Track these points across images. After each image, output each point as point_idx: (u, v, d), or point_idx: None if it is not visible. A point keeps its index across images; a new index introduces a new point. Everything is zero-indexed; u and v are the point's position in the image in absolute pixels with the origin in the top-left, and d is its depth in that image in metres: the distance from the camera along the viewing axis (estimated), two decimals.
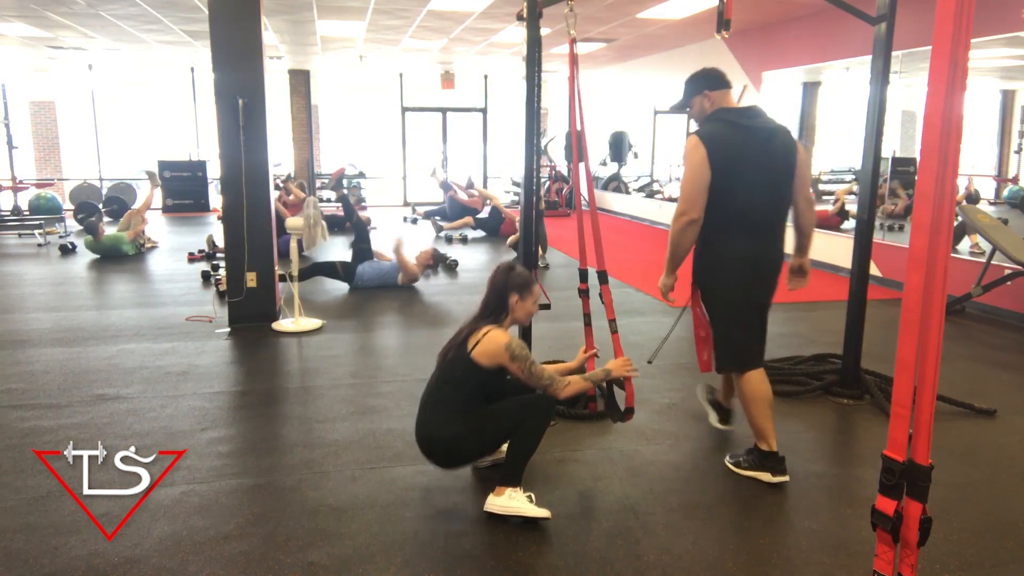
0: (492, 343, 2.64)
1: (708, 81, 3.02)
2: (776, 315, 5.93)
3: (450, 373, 2.72)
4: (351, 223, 7.43)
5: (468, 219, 10.70)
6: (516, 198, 11.40)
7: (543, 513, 2.60)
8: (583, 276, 3.26)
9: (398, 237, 6.83)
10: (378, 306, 6.17)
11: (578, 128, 3.26)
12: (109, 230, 8.79)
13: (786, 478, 2.91)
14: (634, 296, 6.54)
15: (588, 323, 3.23)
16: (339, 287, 6.77)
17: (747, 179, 2.85)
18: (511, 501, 2.60)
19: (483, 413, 2.66)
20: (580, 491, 2.86)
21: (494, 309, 2.77)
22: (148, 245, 9.09)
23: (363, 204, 13.20)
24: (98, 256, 8.47)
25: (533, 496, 2.64)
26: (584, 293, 3.28)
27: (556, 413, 3.56)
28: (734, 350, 2.99)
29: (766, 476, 2.93)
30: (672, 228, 2.96)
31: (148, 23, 9.16)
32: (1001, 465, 3.16)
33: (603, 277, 3.14)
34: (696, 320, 3.19)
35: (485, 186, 15.11)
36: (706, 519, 2.64)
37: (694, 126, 3.10)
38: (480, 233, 10.59)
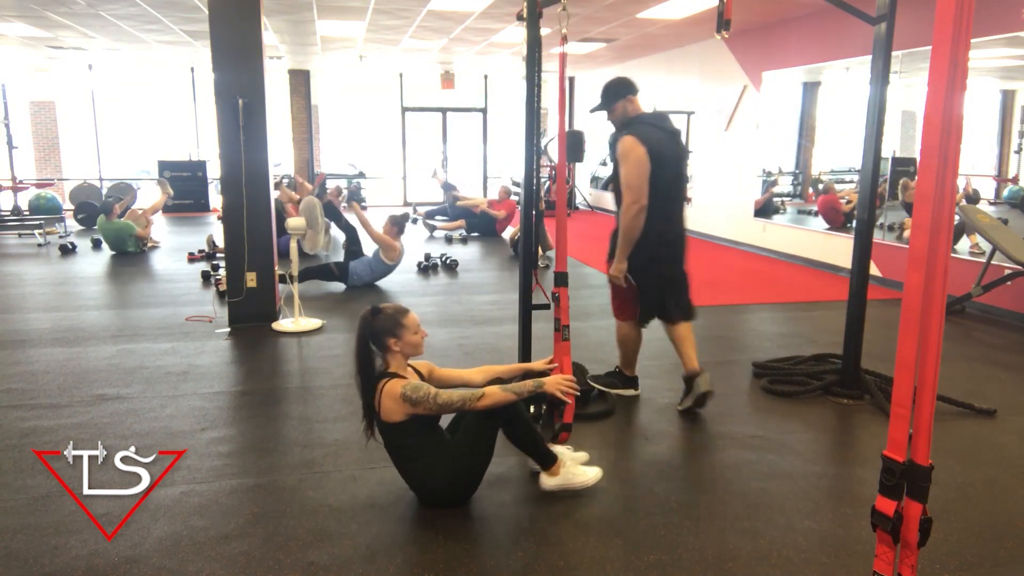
0: (389, 399, 2.55)
1: (630, 88, 3.60)
2: (776, 315, 5.96)
3: (386, 440, 2.67)
4: (339, 226, 7.41)
5: (461, 222, 10.64)
6: (516, 197, 11.40)
7: (597, 475, 2.81)
8: (557, 279, 3.26)
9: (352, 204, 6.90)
10: None
11: (563, 128, 3.30)
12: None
13: (639, 392, 3.89)
14: None
15: (557, 328, 3.23)
16: (339, 287, 6.77)
17: (666, 174, 3.48)
18: (567, 478, 2.76)
19: (454, 452, 2.62)
20: (580, 491, 2.86)
21: (366, 361, 2.65)
22: (150, 245, 9.11)
23: (363, 204, 13.20)
24: (99, 249, 8.48)
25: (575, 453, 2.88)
26: (554, 297, 3.27)
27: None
28: (649, 308, 3.70)
29: (630, 391, 3.88)
30: (626, 217, 3.46)
31: (148, 23, 9.16)
32: (1001, 465, 3.16)
33: (562, 279, 3.17)
34: (625, 289, 3.66)
35: (485, 186, 15.11)
36: (706, 519, 2.64)
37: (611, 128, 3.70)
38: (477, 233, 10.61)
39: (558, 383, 2.71)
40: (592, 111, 3.71)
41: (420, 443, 2.62)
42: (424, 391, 2.53)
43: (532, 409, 3.49)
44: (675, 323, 3.73)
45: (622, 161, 3.44)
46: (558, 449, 2.90)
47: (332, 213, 7.40)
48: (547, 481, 2.77)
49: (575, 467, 2.80)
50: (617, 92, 3.58)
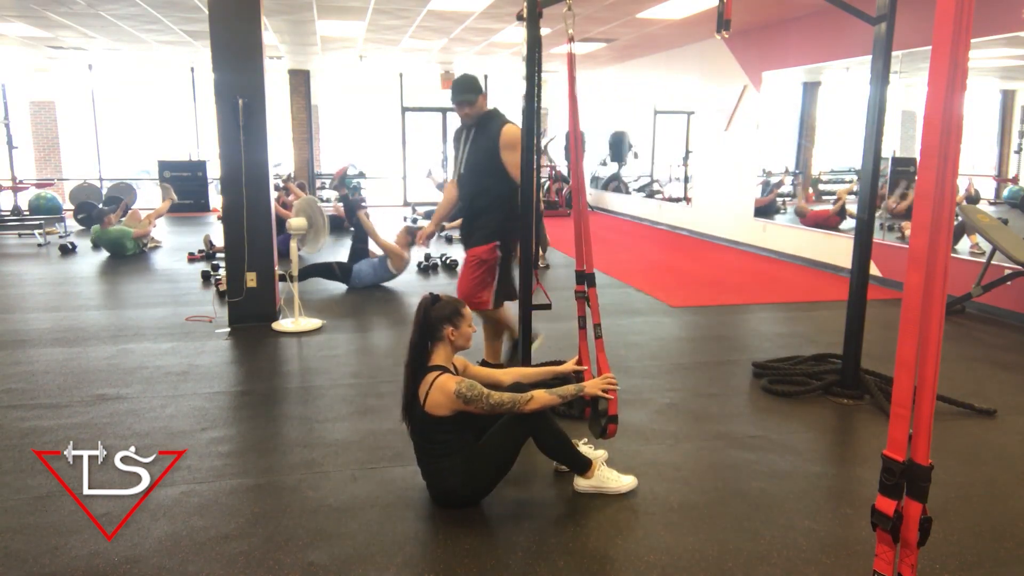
0: (440, 394, 2.56)
1: (481, 86, 3.85)
2: (776, 315, 5.96)
3: (421, 431, 2.66)
4: (351, 223, 7.43)
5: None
6: None
7: (631, 484, 2.82)
8: (579, 278, 3.26)
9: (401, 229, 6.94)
10: (378, 306, 6.17)
11: (576, 128, 3.27)
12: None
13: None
14: (634, 296, 6.54)
15: (582, 326, 3.23)
16: (339, 287, 6.77)
17: None
18: (601, 481, 2.78)
19: (479, 454, 2.64)
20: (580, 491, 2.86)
21: (423, 350, 2.68)
22: (151, 245, 9.11)
23: (363, 204, 13.19)
24: (99, 250, 8.48)
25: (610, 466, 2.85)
26: (580, 295, 3.28)
27: (556, 413, 3.56)
28: (513, 287, 3.91)
29: (539, 339, 4.08)
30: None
31: (148, 23, 9.16)
32: (1001, 465, 3.16)
33: (590, 280, 3.16)
34: (488, 271, 3.85)
35: None
36: (706, 519, 2.64)
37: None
38: None
39: (600, 384, 2.79)
40: (460, 101, 3.82)
41: (452, 441, 2.63)
42: (478, 391, 2.56)
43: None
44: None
45: (515, 148, 3.59)
46: (581, 449, 2.91)
47: (348, 208, 7.58)
48: (580, 483, 2.79)
49: (609, 472, 2.81)
50: (478, 88, 3.82)
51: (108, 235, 8.43)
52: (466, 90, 3.78)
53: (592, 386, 2.80)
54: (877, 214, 4.78)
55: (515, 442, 2.66)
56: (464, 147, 3.91)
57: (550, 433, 2.69)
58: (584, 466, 2.77)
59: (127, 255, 8.52)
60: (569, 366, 3.10)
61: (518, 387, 2.84)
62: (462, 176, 3.94)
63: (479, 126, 3.86)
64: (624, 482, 2.81)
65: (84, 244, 9.29)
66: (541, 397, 2.62)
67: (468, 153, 3.87)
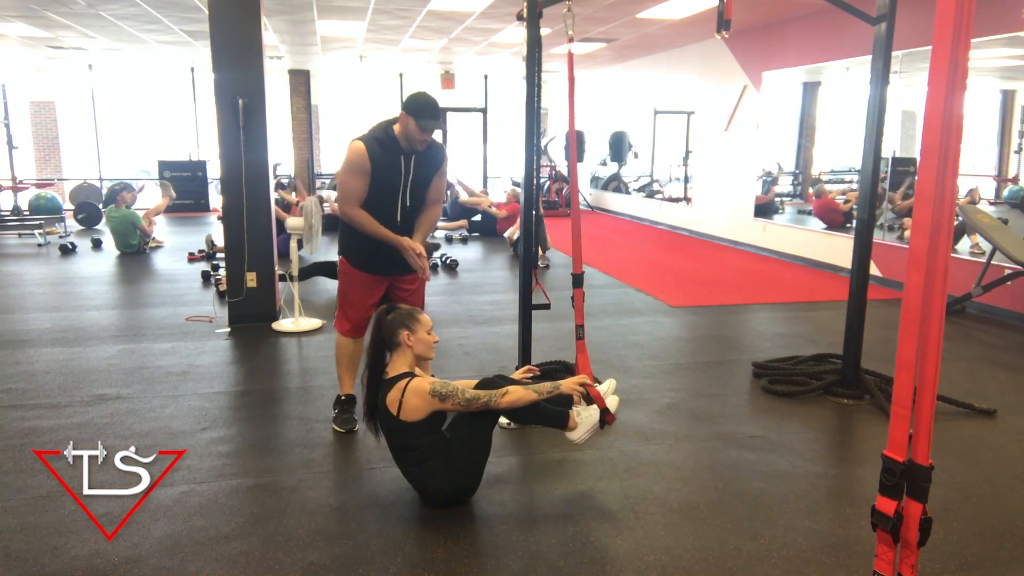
0: (416, 397, 2.56)
1: None
2: (776, 315, 5.96)
3: (397, 440, 2.65)
4: None
5: (463, 223, 10.70)
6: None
7: (613, 402, 2.81)
8: (575, 281, 3.27)
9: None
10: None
11: (573, 128, 3.27)
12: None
13: None
14: (634, 296, 6.54)
15: (580, 336, 3.23)
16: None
17: None
18: (584, 422, 2.74)
19: (455, 449, 2.63)
20: (580, 491, 2.86)
21: (378, 358, 2.68)
22: (152, 244, 9.12)
23: None
24: (100, 251, 8.47)
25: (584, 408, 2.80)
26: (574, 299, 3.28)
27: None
28: None
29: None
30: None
31: (148, 23, 9.16)
32: (1001, 465, 3.16)
33: (577, 281, 3.16)
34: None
35: (485, 186, 15.10)
36: (706, 519, 2.64)
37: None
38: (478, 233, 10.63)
39: (576, 384, 2.75)
40: (434, 128, 3.20)
41: (428, 444, 2.62)
42: (452, 387, 2.57)
43: None
44: None
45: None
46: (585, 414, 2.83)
47: None
48: (571, 436, 2.76)
49: (585, 409, 2.77)
50: None
51: (120, 213, 8.54)
52: (439, 114, 3.22)
53: (567, 385, 2.75)
54: (879, 211, 4.78)
55: (483, 430, 2.66)
56: (407, 175, 3.28)
57: (520, 410, 2.67)
58: (563, 419, 2.74)
59: (131, 246, 8.54)
60: (518, 375, 3.02)
61: (491, 384, 2.82)
62: (407, 208, 3.34)
63: (425, 152, 3.31)
64: (606, 404, 2.77)
65: (84, 244, 9.29)
66: (517, 392, 2.61)
67: (413, 183, 3.29)
